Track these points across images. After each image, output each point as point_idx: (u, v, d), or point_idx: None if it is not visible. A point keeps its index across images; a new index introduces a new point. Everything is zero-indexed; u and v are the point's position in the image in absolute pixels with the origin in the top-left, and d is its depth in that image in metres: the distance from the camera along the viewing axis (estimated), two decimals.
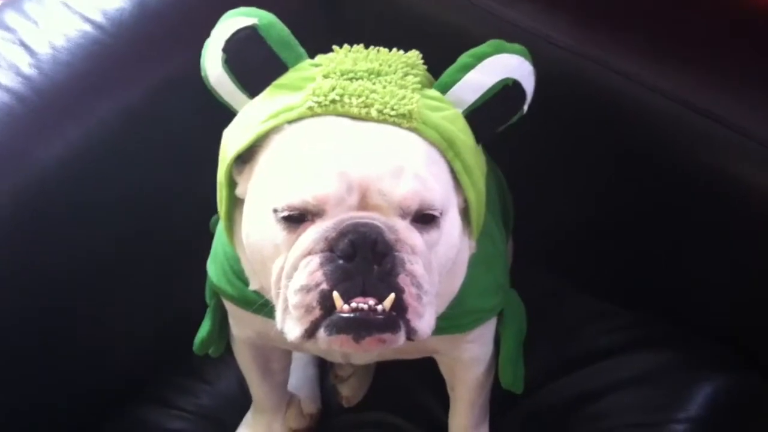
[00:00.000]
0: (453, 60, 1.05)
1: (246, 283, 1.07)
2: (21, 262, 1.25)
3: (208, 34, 1.05)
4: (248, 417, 1.37)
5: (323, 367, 1.41)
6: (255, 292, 1.06)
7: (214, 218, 1.22)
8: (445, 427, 1.31)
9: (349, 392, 1.38)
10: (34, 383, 1.31)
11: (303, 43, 1.04)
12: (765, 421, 1.32)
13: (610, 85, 1.27)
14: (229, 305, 1.17)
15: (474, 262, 1.08)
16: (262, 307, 1.03)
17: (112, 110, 1.30)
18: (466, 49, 1.05)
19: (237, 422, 1.37)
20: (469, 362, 1.21)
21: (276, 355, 1.28)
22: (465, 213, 1.03)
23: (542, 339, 1.25)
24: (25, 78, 1.27)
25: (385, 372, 1.37)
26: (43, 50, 1.29)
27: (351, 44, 1.04)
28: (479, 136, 1.03)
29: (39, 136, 1.26)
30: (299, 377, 1.38)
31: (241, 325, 1.20)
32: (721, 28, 1.26)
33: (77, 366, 1.35)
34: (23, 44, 1.30)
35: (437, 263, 0.97)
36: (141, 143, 1.32)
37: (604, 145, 1.32)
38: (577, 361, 1.37)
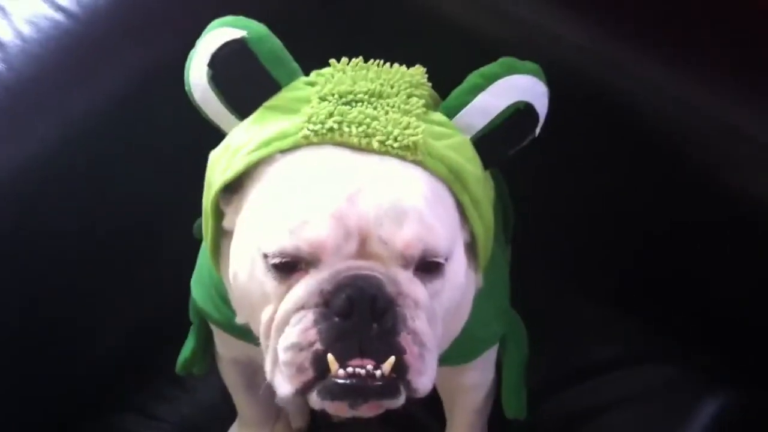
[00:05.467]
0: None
1: (234, 311, 0.99)
2: None
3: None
4: (233, 430, 1.30)
5: None
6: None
7: (197, 222, 1.13)
8: None
9: None
10: (8, 386, 1.24)
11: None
12: None
13: (622, 87, 1.20)
14: (214, 327, 1.10)
15: (476, 294, 1.01)
16: (251, 336, 0.95)
17: (87, 106, 1.22)
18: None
19: None
20: (469, 388, 1.16)
21: (263, 372, 1.21)
22: (470, 246, 0.95)
23: (543, 351, 1.19)
24: None
25: None
26: (11, 42, 1.20)
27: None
28: (488, 161, 0.96)
29: (8, 135, 1.18)
30: None
31: (228, 346, 1.13)
32: (747, 38, 1.18)
33: (53, 369, 1.28)
34: None
35: (441, 310, 0.90)
36: (118, 140, 1.24)
37: (613, 149, 1.25)
38: (579, 374, 1.32)
